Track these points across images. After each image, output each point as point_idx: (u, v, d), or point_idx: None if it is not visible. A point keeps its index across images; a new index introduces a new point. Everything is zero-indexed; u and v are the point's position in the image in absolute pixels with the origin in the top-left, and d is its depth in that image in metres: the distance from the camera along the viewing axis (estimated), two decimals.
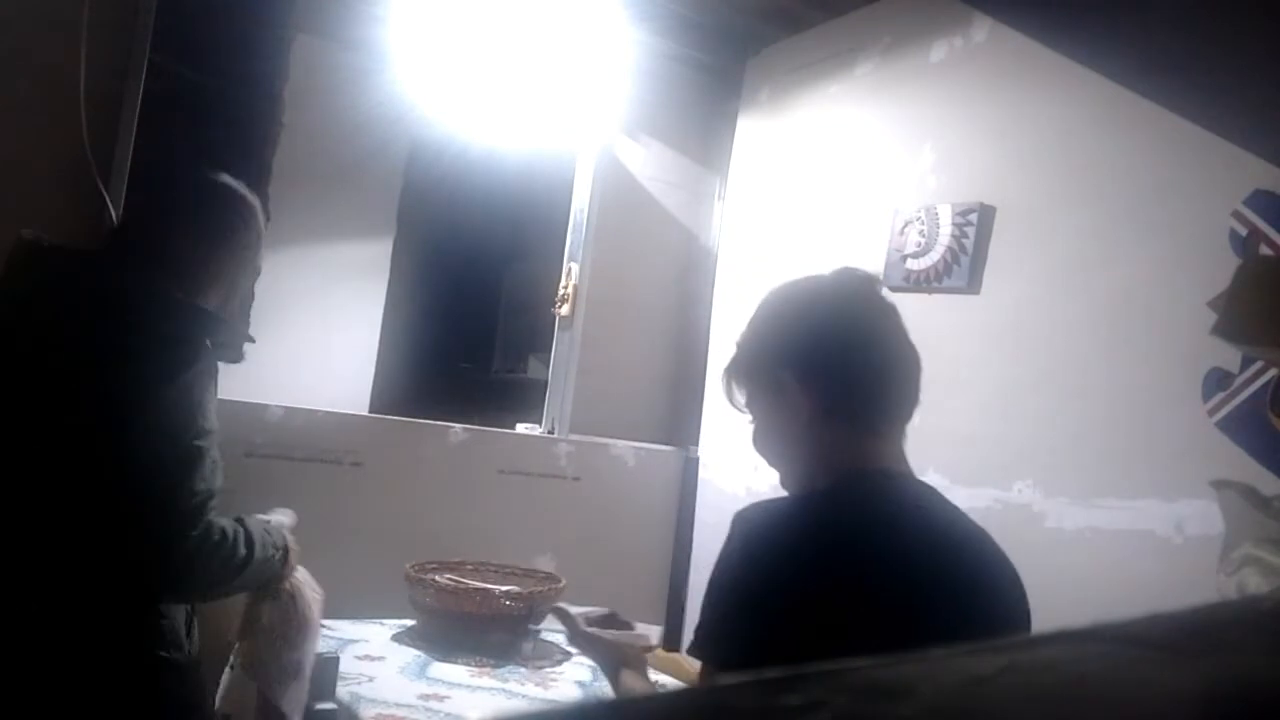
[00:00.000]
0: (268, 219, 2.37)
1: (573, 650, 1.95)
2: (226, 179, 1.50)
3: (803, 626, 0.90)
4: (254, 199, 1.53)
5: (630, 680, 1.33)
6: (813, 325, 1.07)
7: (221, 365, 1.41)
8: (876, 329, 1.07)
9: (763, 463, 1.13)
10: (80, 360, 1.25)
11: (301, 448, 2.18)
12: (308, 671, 1.51)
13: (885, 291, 1.11)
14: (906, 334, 1.08)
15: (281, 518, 1.55)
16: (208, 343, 1.35)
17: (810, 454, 1.06)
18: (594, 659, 1.48)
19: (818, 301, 1.09)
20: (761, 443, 1.12)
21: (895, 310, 1.09)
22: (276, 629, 1.46)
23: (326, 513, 2.14)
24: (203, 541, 1.24)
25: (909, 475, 1.07)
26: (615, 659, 1.39)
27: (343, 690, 1.62)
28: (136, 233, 1.43)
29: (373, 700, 1.60)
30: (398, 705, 1.58)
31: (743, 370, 1.13)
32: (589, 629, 1.47)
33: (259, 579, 1.43)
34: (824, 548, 0.95)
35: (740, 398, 1.13)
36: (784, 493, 1.10)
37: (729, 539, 0.99)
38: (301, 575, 1.52)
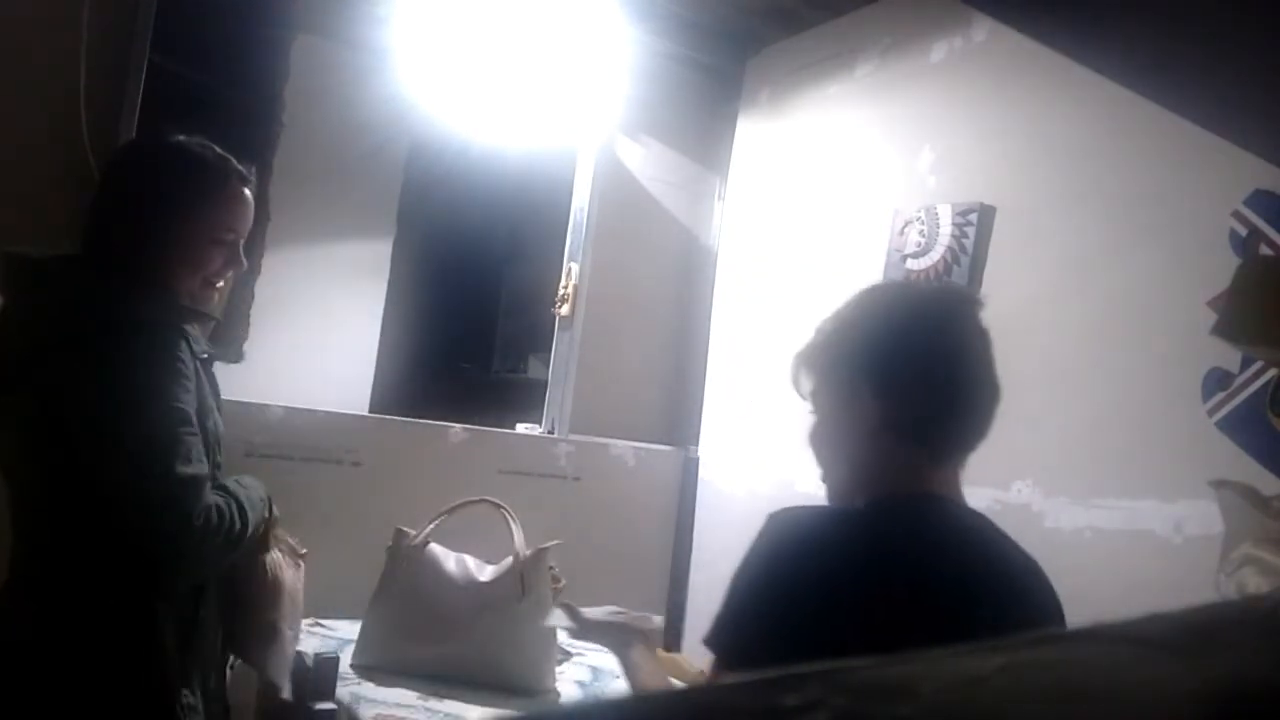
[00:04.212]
0: (268, 218, 2.38)
1: (572, 650, 1.95)
2: (140, 140, 1.40)
3: (824, 640, 0.88)
4: (194, 148, 1.37)
5: (640, 657, 1.32)
6: (906, 342, 1.02)
7: (222, 365, 1.40)
8: (968, 359, 1.03)
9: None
10: (36, 360, 1.24)
11: (301, 448, 2.17)
12: (289, 634, 1.48)
13: (984, 315, 1.06)
14: (994, 364, 1.04)
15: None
16: (171, 327, 1.29)
17: (866, 467, 1.03)
18: (603, 644, 1.47)
19: (917, 317, 1.04)
20: (818, 441, 1.09)
21: (989, 338, 1.05)
22: (245, 591, 1.44)
23: (326, 513, 2.13)
24: (204, 528, 1.21)
25: (962, 503, 1.05)
26: (624, 640, 1.39)
27: (343, 690, 1.62)
28: (85, 230, 1.36)
29: (373, 700, 1.60)
30: (398, 705, 1.58)
31: (818, 362, 1.08)
32: (595, 616, 1.48)
33: (250, 544, 1.42)
34: (865, 565, 0.93)
35: (807, 386, 1.09)
36: (823, 491, 1.08)
37: (763, 536, 0.97)
38: (278, 534, 1.50)
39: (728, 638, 0.95)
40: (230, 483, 1.37)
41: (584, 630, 1.52)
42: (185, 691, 1.28)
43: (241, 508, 1.31)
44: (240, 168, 1.40)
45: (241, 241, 1.41)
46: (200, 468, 1.24)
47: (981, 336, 1.04)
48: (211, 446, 1.34)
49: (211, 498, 1.25)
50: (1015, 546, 1.04)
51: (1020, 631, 0.89)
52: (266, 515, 1.43)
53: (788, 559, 0.94)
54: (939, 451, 1.03)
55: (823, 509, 1.03)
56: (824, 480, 1.10)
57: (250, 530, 1.33)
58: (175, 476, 1.19)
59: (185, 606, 1.31)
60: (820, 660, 0.81)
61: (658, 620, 1.56)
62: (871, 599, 0.91)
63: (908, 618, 0.90)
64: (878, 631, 0.88)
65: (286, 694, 1.47)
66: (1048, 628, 1.00)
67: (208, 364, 1.39)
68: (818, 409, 1.08)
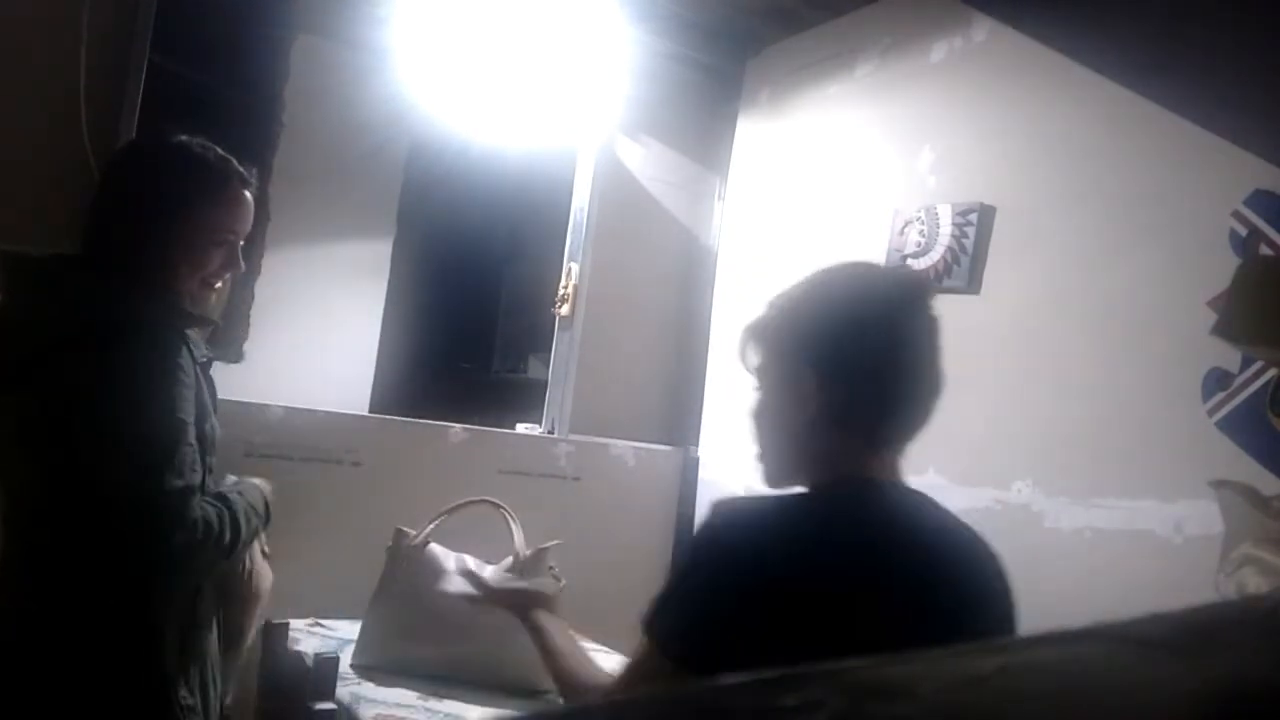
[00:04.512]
0: (268, 218, 2.38)
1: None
2: (141, 140, 1.40)
3: (770, 629, 0.89)
4: (195, 149, 1.36)
5: (544, 621, 1.31)
6: (853, 326, 1.01)
7: (222, 365, 1.40)
8: (915, 348, 1.01)
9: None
10: (36, 361, 1.23)
11: (301, 448, 2.17)
12: (250, 636, 1.52)
13: (935, 303, 1.03)
14: (940, 354, 1.02)
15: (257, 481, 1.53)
16: (170, 330, 1.29)
17: (803, 451, 1.02)
18: (505, 607, 1.45)
19: (866, 302, 1.02)
20: (758, 419, 1.07)
21: (938, 328, 1.02)
22: (225, 590, 1.45)
23: (326, 513, 2.14)
24: (190, 541, 1.20)
25: (903, 485, 1.04)
26: (526, 605, 1.37)
27: (343, 690, 1.62)
28: (85, 230, 1.36)
29: (372, 700, 1.60)
30: (398, 705, 1.58)
31: (765, 338, 1.06)
32: (497, 582, 1.49)
33: (244, 551, 1.42)
34: (809, 552, 0.93)
35: (753, 361, 1.07)
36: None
37: (708, 524, 0.96)
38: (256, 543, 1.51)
39: (670, 621, 0.95)
40: (230, 491, 1.36)
41: (487, 596, 1.51)
42: (184, 693, 1.28)
43: (235, 519, 1.30)
44: (241, 169, 1.39)
45: (241, 243, 1.41)
46: (193, 478, 1.23)
47: (930, 326, 1.02)
48: (207, 450, 1.33)
49: (201, 509, 1.23)
50: (959, 523, 1.03)
51: (973, 609, 0.89)
52: (266, 519, 1.43)
53: (732, 547, 0.94)
54: (878, 439, 1.02)
55: (767, 498, 1.02)
56: (760, 460, 1.07)
57: (243, 539, 1.33)
58: (165, 489, 1.19)
59: (184, 606, 1.31)
60: (763, 649, 0.82)
61: (560, 585, 1.59)
62: (818, 585, 0.90)
63: (860, 602, 0.90)
64: (827, 618, 0.89)
65: (229, 699, 1.50)
66: (999, 603, 1.00)
67: (206, 367, 1.39)
68: (761, 385, 1.07)
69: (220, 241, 1.38)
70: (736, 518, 0.96)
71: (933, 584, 0.94)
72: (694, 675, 0.95)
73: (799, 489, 1.03)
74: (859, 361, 0.99)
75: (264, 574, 1.53)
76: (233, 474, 1.53)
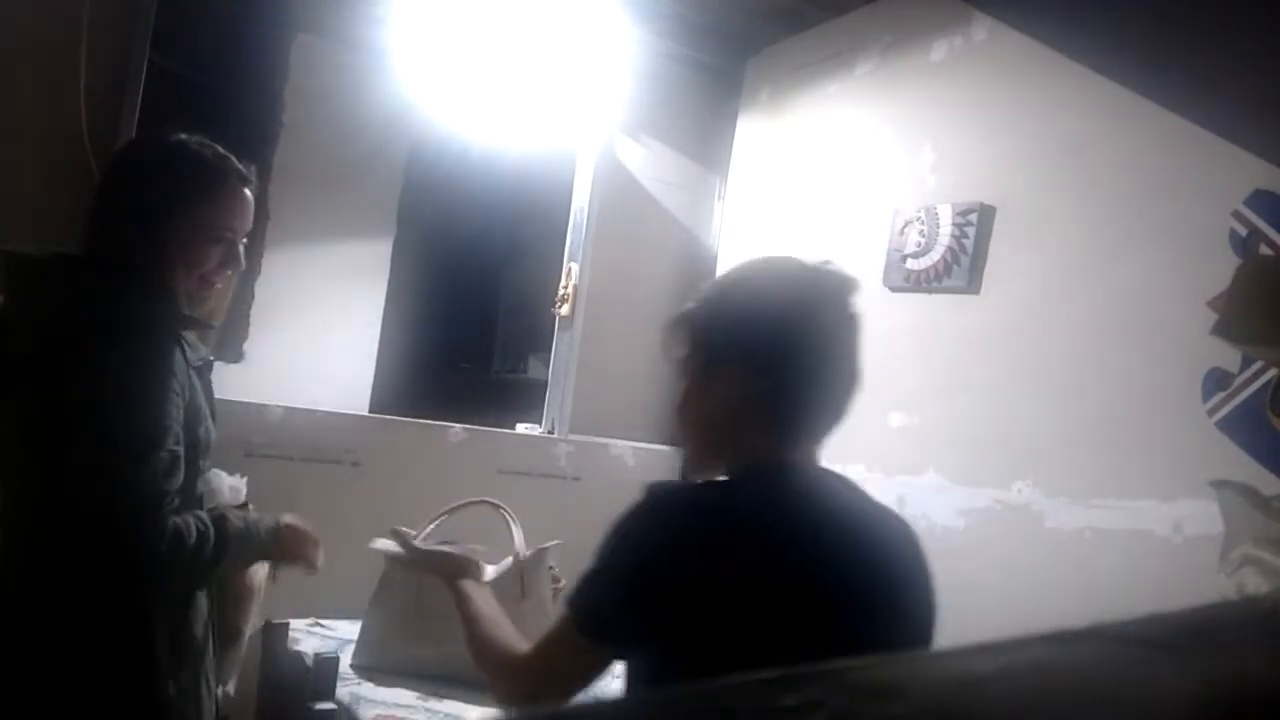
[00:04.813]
0: (268, 218, 2.38)
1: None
2: (140, 138, 1.38)
3: (692, 609, 0.92)
4: (193, 146, 1.36)
5: (468, 588, 1.30)
6: (775, 323, 1.02)
7: (222, 365, 1.39)
8: (837, 343, 1.03)
9: None
10: (35, 361, 1.23)
11: (301, 448, 2.17)
12: (246, 637, 1.52)
13: (857, 300, 1.05)
14: (860, 352, 1.05)
15: (224, 481, 1.51)
16: (166, 333, 1.28)
17: (728, 441, 1.05)
18: (433, 572, 1.44)
19: (789, 297, 1.03)
20: (682, 411, 1.09)
21: (860, 324, 1.05)
22: (222, 592, 1.46)
23: (326, 513, 2.13)
24: (155, 547, 1.18)
25: (821, 470, 1.06)
26: (453, 570, 1.37)
27: (343, 690, 1.62)
28: (85, 229, 1.35)
29: (372, 700, 1.60)
30: (397, 705, 1.58)
31: (692, 328, 1.08)
32: (423, 544, 1.48)
33: (238, 570, 1.42)
34: (732, 534, 0.95)
35: (679, 351, 1.09)
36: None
37: (639, 507, 0.99)
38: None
39: (587, 599, 0.98)
40: (232, 513, 1.34)
41: (413, 558, 1.51)
42: (174, 690, 1.27)
43: (219, 540, 1.26)
44: (240, 167, 1.39)
45: (240, 241, 1.41)
46: (166, 484, 1.20)
47: (851, 322, 1.04)
48: (200, 453, 1.33)
49: (174, 518, 1.21)
50: (878, 505, 1.06)
51: (892, 588, 0.91)
52: (264, 551, 1.39)
53: (652, 531, 0.97)
54: (798, 430, 1.03)
55: (696, 484, 1.04)
56: (683, 446, 1.10)
57: (225, 561, 1.29)
58: (131, 494, 1.17)
59: (175, 606, 1.30)
60: (678, 633, 0.84)
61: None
62: (736, 570, 0.93)
63: (779, 585, 0.93)
64: (745, 601, 0.92)
65: (229, 689, 1.51)
66: (918, 582, 1.02)
67: (203, 369, 1.39)
68: (686, 376, 1.08)
69: (218, 239, 1.37)
70: (660, 502, 0.99)
71: (850, 565, 0.97)
72: (604, 653, 0.99)
73: (721, 476, 1.05)
74: (779, 354, 1.01)
75: (259, 570, 1.53)
76: (231, 475, 1.54)
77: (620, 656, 1.01)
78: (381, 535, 1.91)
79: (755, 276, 1.09)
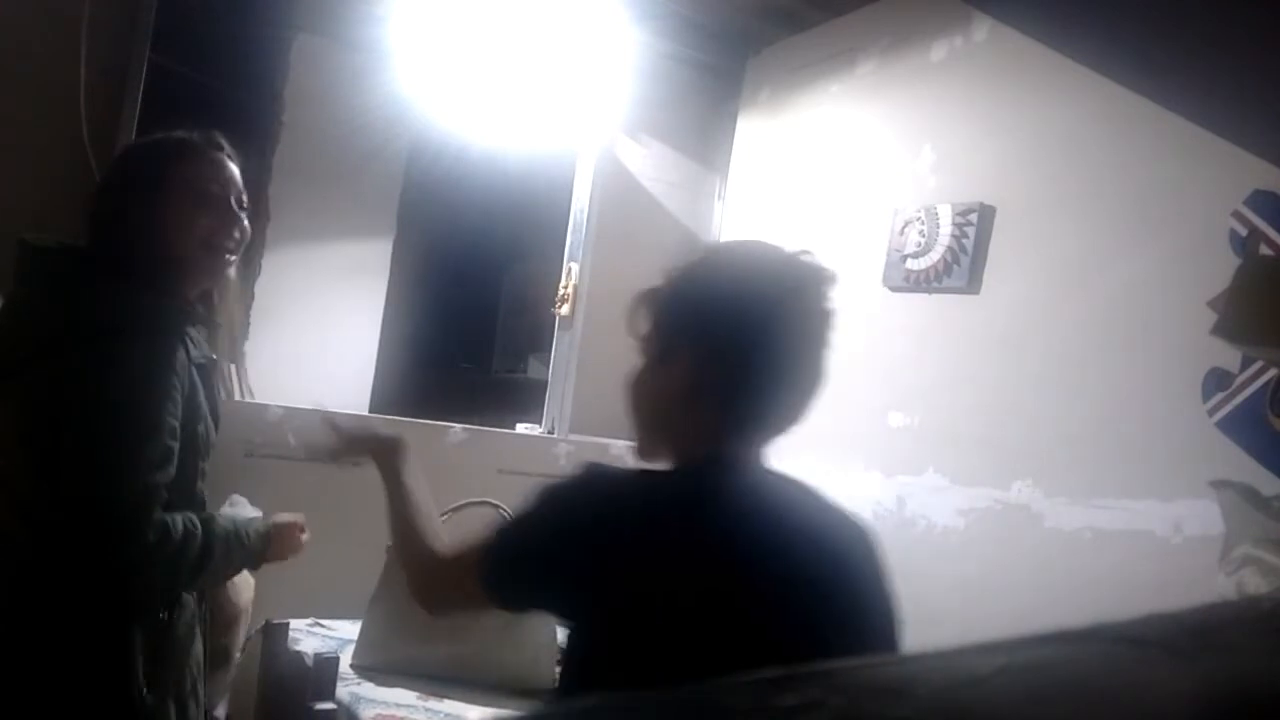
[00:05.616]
0: (268, 218, 2.38)
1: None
2: (136, 141, 1.39)
3: (589, 592, 0.91)
4: (177, 134, 1.36)
5: (403, 471, 1.27)
6: (734, 309, 0.96)
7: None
8: (801, 339, 0.96)
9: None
10: (38, 355, 1.23)
11: (301, 448, 2.17)
12: (235, 658, 1.51)
13: (833, 295, 0.98)
14: (826, 347, 0.97)
15: (246, 510, 1.51)
16: (169, 330, 1.27)
17: (674, 428, 0.99)
18: (367, 453, 1.35)
19: (755, 284, 0.97)
20: (635, 390, 1.03)
21: (829, 320, 0.97)
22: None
23: (326, 513, 2.13)
24: (140, 546, 1.17)
25: (767, 471, 1.01)
26: (387, 450, 1.31)
27: (343, 690, 1.62)
28: (86, 225, 1.36)
29: (372, 700, 1.60)
30: (397, 705, 1.58)
31: (655, 308, 1.01)
32: (351, 426, 1.40)
33: (227, 575, 1.40)
34: (649, 528, 0.92)
35: (641, 329, 1.02)
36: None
37: (566, 481, 0.97)
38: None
39: (495, 550, 0.98)
40: (223, 516, 1.33)
41: (341, 439, 1.38)
42: (151, 698, 1.26)
43: (208, 543, 1.25)
44: (216, 137, 1.39)
45: (232, 200, 1.37)
46: (162, 476, 1.20)
47: (820, 317, 0.97)
48: (199, 452, 1.32)
49: (161, 517, 1.20)
50: (828, 507, 1.00)
51: (836, 594, 0.88)
52: (255, 556, 1.39)
53: (571, 507, 0.95)
54: (747, 424, 0.98)
55: (635, 471, 1.00)
56: (632, 430, 1.05)
57: (213, 565, 1.28)
58: (130, 483, 1.17)
59: (157, 612, 1.28)
60: (569, 607, 0.92)
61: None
62: (647, 565, 0.90)
63: (693, 587, 0.89)
64: (649, 597, 0.88)
65: (218, 713, 1.50)
66: (870, 586, 0.98)
67: (206, 368, 1.38)
68: (644, 355, 1.02)
69: (202, 195, 1.34)
70: (590, 481, 0.97)
71: (777, 568, 0.91)
72: (497, 604, 1.00)
73: (663, 466, 1.01)
74: (734, 342, 0.95)
75: (243, 588, 1.51)
76: (233, 474, 1.53)
77: (514, 610, 1.05)
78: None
79: (722, 258, 1.05)
